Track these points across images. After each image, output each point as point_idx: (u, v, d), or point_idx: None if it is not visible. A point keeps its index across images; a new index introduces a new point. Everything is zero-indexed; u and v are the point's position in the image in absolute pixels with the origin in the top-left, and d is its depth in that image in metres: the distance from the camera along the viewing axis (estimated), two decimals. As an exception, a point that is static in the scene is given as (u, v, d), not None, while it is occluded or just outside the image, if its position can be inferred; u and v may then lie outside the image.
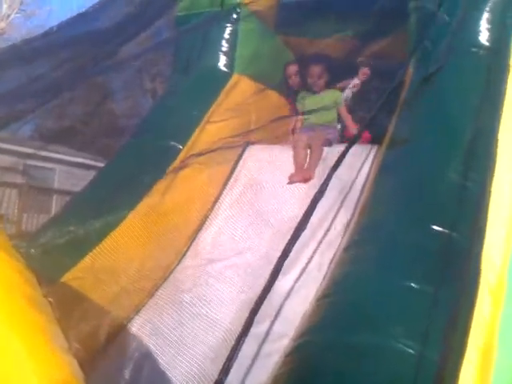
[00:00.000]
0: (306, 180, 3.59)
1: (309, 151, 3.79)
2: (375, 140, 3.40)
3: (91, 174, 4.31)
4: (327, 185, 2.23)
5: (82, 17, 3.05)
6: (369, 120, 2.38)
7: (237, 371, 2.51)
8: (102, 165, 4.41)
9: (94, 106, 4.12)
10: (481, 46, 2.89)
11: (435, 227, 2.15)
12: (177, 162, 3.53)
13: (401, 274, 2.00)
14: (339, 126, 4.20)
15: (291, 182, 3.62)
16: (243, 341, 1.73)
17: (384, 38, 3.70)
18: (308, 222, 2.14)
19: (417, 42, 2.92)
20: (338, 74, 4.15)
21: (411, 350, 1.73)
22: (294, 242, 1.99)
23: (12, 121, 3.20)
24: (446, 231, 2.12)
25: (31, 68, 2.89)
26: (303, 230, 2.08)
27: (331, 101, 4.12)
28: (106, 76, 3.96)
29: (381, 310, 1.91)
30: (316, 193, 2.19)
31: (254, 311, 1.75)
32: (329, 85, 4.20)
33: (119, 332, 2.84)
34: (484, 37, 2.90)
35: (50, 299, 1.13)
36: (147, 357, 2.71)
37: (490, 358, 1.95)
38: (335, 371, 1.76)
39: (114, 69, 3.80)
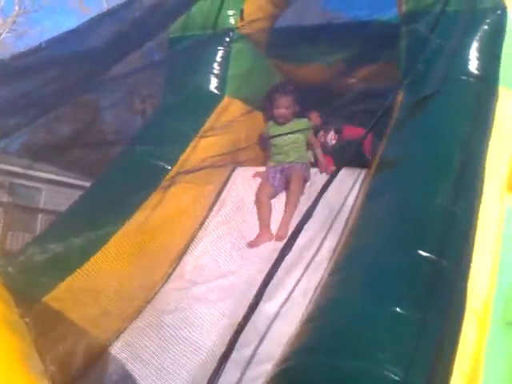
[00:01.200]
0: (278, 239, 3.40)
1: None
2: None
3: (78, 194, 4.27)
4: (311, 213, 2.21)
5: (72, 34, 3.04)
6: (360, 141, 2.38)
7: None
8: (88, 184, 4.38)
9: (82, 125, 4.10)
10: (470, 74, 2.92)
11: (422, 253, 2.14)
12: (165, 183, 3.51)
13: (386, 300, 1.98)
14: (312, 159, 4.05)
15: (252, 246, 3.41)
16: (224, 365, 1.69)
17: (373, 64, 3.73)
18: (292, 246, 2.12)
19: (409, 65, 2.95)
20: (326, 99, 4.14)
21: (396, 377, 1.70)
22: (277, 268, 1.97)
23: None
24: (433, 257, 2.10)
25: (19, 85, 2.87)
26: (286, 255, 2.06)
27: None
28: (94, 95, 3.95)
29: (365, 335, 1.88)
30: (300, 221, 2.17)
31: (236, 335, 1.72)
32: (303, 113, 4.15)
33: (99, 355, 2.79)
34: (473, 65, 2.94)
35: (26, 320, 1.09)
36: (127, 381, 2.66)
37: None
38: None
39: (103, 87, 3.79)
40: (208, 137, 3.88)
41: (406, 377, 1.70)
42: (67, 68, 2.96)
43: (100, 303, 2.92)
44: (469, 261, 2.18)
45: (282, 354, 2.01)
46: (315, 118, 4.28)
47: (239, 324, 1.77)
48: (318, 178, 3.75)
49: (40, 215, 12.44)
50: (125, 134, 4.62)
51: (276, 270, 1.95)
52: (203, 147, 3.81)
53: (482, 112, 2.78)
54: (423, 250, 2.13)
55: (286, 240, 2.21)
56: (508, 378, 2.30)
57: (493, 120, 2.77)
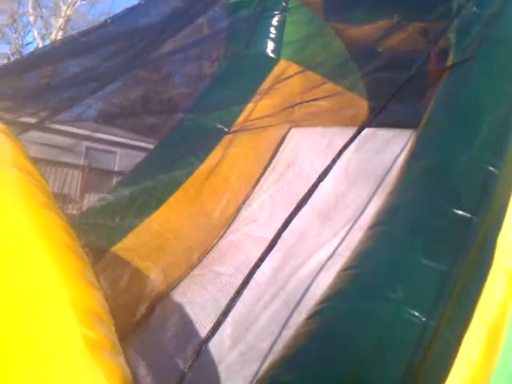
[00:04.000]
0: None
1: None
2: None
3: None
4: (331, 167, 2.31)
5: (133, 9, 3.27)
6: (381, 108, 2.45)
7: (269, 337, 2.74)
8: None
9: (152, 91, 4.34)
10: None
11: (457, 211, 2.24)
12: (224, 143, 3.75)
13: (418, 252, 2.10)
14: None
15: None
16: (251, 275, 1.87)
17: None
18: (309, 198, 2.25)
19: (440, 32, 2.98)
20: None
21: (417, 320, 1.86)
22: (296, 214, 2.13)
23: (71, 105, 3.48)
24: (468, 215, 2.20)
25: (87, 59, 3.15)
26: (303, 205, 2.22)
27: None
28: (163, 64, 4.19)
29: (394, 282, 2.02)
30: (320, 174, 2.30)
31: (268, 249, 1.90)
32: None
33: (160, 299, 3.09)
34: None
35: (86, 249, 1.35)
36: (184, 323, 2.95)
37: (498, 337, 2.05)
38: (351, 334, 1.91)
39: (168, 57, 4.01)
40: (264, 99, 4.06)
41: (427, 321, 1.85)
42: (130, 42, 3.19)
43: (167, 252, 3.21)
44: (501, 218, 2.25)
45: (322, 295, 2.20)
46: None
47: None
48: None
49: (114, 178, 13.03)
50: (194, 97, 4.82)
51: (293, 218, 2.11)
52: (259, 109, 3.99)
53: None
54: (457, 209, 2.23)
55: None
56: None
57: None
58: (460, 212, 2.25)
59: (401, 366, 1.75)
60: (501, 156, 2.41)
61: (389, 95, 2.42)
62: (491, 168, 2.36)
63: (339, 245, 3.14)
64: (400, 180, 2.75)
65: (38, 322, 1.09)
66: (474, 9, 2.84)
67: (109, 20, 3.10)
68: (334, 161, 2.20)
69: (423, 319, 1.85)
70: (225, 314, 1.64)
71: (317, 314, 2.06)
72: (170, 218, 3.39)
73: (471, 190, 2.36)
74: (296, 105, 4.12)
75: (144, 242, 3.19)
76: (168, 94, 4.62)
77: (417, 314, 1.87)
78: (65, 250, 1.23)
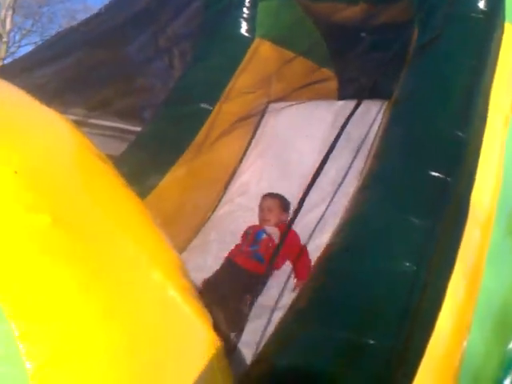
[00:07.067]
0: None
1: None
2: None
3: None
4: (337, 141, 2.62)
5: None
6: (371, 86, 2.74)
7: (266, 300, 3.06)
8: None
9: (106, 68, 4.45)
10: (479, 11, 3.21)
11: (432, 173, 2.56)
12: (209, 122, 3.99)
13: (403, 211, 2.42)
14: None
15: None
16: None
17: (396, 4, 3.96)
18: (322, 169, 2.58)
19: (414, 14, 3.29)
20: (351, 42, 4.39)
21: (409, 270, 2.19)
22: (312, 184, 2.44)
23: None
24: (441, 176, 2.53)
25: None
26: (318, 175, 2.53)
27: None
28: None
29: (386, 239, 2.36)
30: (330, 147, 2.61)
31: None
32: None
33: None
34: (482, 3, 3.23)
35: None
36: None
37: (476, 279, 2.41)
38: (356, 286, 2.24)
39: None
40: (242, 77, 4.31)
41: (416, 270, 2.19)
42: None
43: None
44: (473, 177, 2.60)
45: (319, 256, 2.51)
46: None
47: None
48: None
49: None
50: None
51: (311, 188, 2.43)
52: (238, 87, 4.24)
53: (489, 46, 3.09)
54: (432, 171, 2.56)
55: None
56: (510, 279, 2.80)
57: (498, 53, 3.10)
58: (436, 174, 2.58)
59: (398, 310, 2.09)
60: (468, 123, 2.75)
61: (378, 72, 2.69)
62: (460, 133, 2.69)
63: (327, 208, 3.47)
64: (379, 148, 3.05)
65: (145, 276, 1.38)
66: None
67: (103, 9, 3.28)
68: (339, 135, 2.49)
69: (414, 268, 2.19)
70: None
71: (322, 271, 2.38)
72: (168, 194, 3.64)
73: (444, 153, 2.69)
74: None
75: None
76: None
77: (409, 264, 2.20)
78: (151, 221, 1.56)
